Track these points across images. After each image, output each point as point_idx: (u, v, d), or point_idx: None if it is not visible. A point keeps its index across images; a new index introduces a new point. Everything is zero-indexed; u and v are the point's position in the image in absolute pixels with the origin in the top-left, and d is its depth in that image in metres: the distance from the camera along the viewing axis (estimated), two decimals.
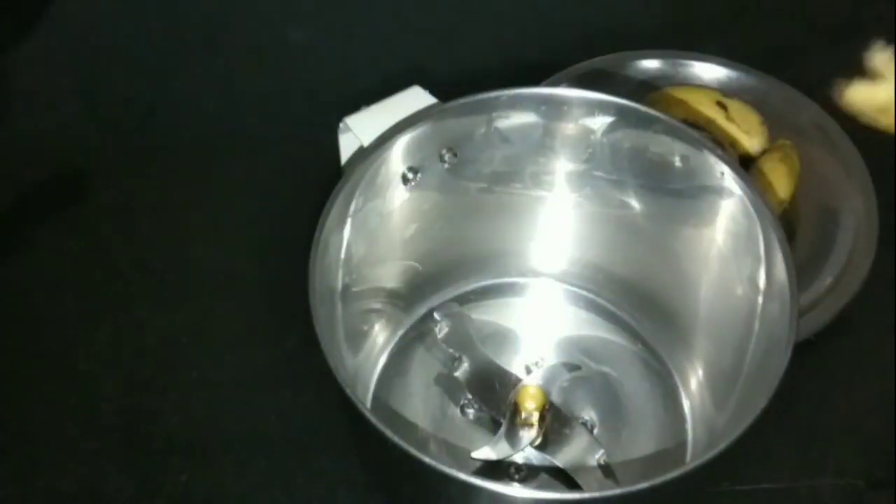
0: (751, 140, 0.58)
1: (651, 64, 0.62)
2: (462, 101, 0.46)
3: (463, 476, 0.37)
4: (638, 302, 0.52)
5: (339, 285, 0.46)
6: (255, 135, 0.62)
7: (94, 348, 0.53)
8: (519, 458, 0.47)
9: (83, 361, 0.53)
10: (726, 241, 0.47)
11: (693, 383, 0.50)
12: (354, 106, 0.48)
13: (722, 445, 0.38)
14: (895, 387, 0.52)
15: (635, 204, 0.50)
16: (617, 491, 0.37)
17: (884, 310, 0.54)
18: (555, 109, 0.48)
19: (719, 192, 0.46)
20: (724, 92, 0.60)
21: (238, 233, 0.58)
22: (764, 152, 0.57)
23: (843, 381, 0.53)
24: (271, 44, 0.68)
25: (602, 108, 0.47)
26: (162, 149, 0.62)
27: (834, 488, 0.49)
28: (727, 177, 0.45)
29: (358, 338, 0.49)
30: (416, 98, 0.47)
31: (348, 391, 0.39)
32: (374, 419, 0.38)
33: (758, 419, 0.38)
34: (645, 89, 0.60)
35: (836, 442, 0.50)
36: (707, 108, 0.58)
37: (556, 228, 0.53)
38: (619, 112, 0.47)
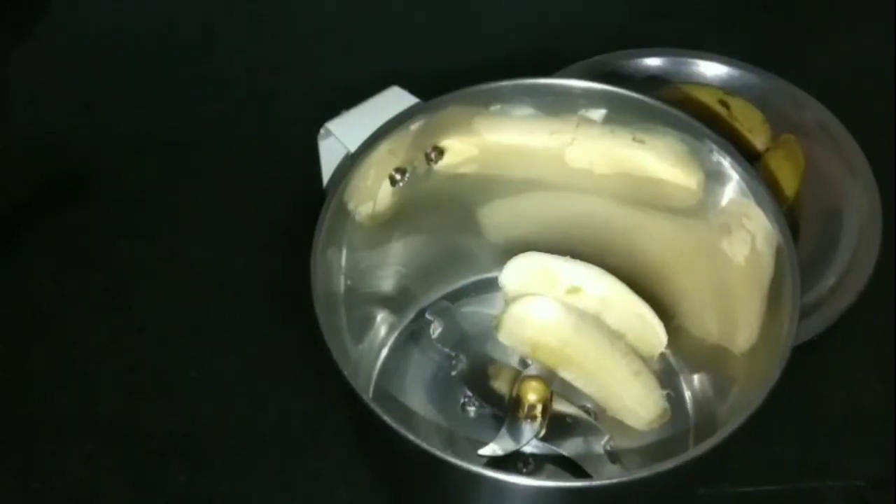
0: (754, 138, 0.57)
1: (652, 62, 0.62)
2: (447, 97, 0.46)
3: (468, 466, 0.37)
4: (635, 289, 0.51)
5: (338, 289, 0.46)
6: (254, 135, 0.62)
7: (94, 348, 0.53)
8: (525, 450, 0.47)
9: (82, 361, 0.53)
10: (726, 227, 0.47)
11: (692, 370, 0.50)
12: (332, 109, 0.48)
13: (722, 433, 0.38)
14: (895, 387, 0.51)
15: (631, 193, 0.50)
16: (624, 478, 0.37)
17: (886, 309, 0.54)
18: (546, 101, 0.47)
19: (718, 178, 0.46)
20: (726, 90, 0.60)
21: (238, 233, 0.58)
22: (768, 149, 0.57)
23: (845, 382, 0.52)
24: (275, 43, 0.68)
25: (597, 98, 0.47)
26: (161, 149, 0.62)
27: (836, 489, 0.49)
28: (726, 164, 0.45)
29: (352, 343, 0.49)
30: (396, 98, 0.47)
31: (352, 383, 0.39)
32: (378, 410, 0.38)
33: (761, 410, 0.38)
34: (646, 88, 0.60)
35: (838, 443, 0.50)
36: (709, 106, 0.58)
37: (548, 221, 0.52)
38: (615, 102, 0.47)
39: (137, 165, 0.61)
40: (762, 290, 0.44)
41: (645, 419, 0.48)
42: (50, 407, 0.52)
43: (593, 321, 0.49)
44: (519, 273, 0.51)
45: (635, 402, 0.48)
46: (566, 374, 0.48)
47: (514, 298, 0.50)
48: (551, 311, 0.48)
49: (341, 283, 0.47)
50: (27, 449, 0.50)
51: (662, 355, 0.50)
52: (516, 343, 0.49)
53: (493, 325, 0.49)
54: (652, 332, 0.50)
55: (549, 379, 0.48)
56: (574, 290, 0.50)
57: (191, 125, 0.63)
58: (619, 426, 0.48)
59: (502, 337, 0.49)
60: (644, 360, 0.50)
